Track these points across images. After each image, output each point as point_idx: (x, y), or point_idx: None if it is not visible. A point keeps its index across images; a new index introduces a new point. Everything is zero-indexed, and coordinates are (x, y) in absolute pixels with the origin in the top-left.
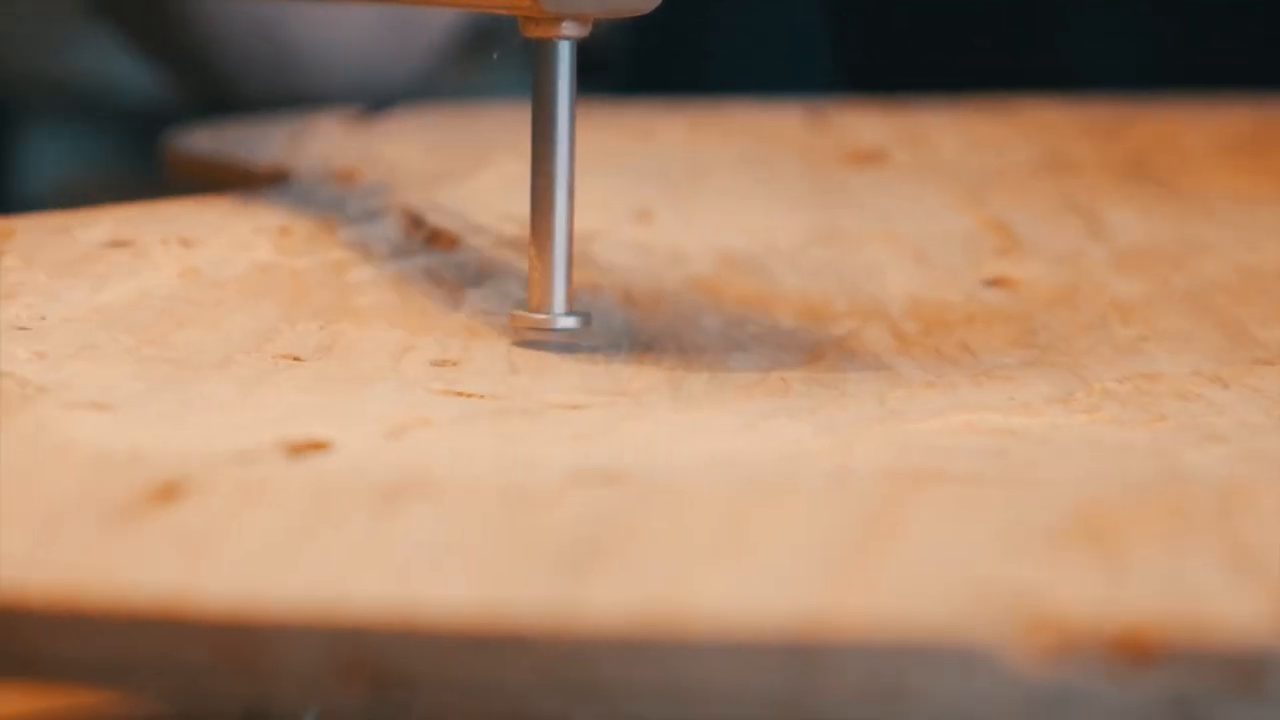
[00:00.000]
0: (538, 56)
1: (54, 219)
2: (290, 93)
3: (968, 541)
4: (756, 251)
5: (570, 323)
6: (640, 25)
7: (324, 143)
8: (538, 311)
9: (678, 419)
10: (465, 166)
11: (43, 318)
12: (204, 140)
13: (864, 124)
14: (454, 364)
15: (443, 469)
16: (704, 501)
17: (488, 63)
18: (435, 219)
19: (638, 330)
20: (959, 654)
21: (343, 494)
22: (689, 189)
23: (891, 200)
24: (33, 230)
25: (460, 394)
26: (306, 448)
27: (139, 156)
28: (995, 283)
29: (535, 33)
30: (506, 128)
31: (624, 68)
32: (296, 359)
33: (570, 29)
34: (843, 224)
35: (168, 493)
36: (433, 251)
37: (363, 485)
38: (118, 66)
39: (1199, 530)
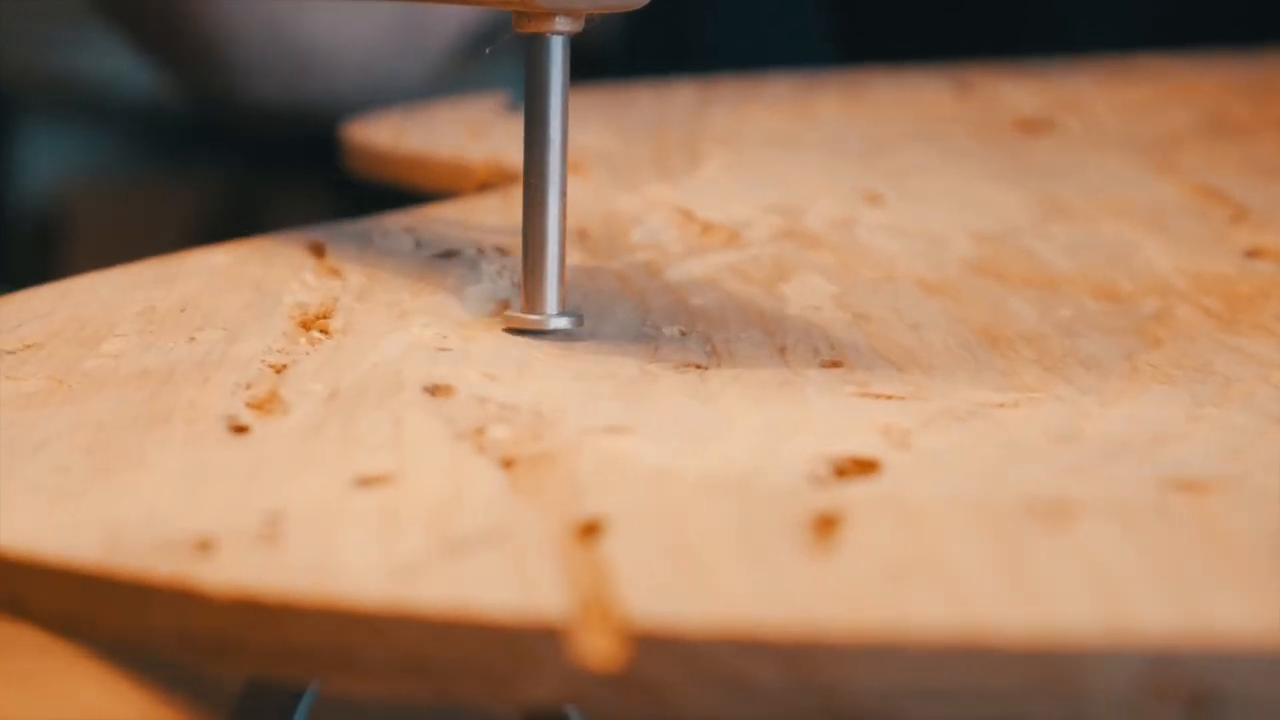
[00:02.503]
0: (530, 52)
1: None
2: (300, 93)
3: None
4: (1002, 231)
5: (563, 323)
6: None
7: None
8: (532, 312)
9: (1105, 412)
10: (683, 160)
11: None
12: (384, 133)
13: (1014, 92)
14: (836, 364)
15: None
16: None
17: (480, 59)
18: (704, 215)
19: (958, 319)
20: None
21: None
22: (891, 168)
23: (1087, 170)
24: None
25: (879, 396)
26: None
27: (137, 153)
28: (1255, 254)
29: (528, 28)
30: (690, 108)
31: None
32: (699, 368)
33: (563, 24)
34: (1061, 197)
35: (827, 524)
36: (729, 249)
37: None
38: (117, 65)
39: None
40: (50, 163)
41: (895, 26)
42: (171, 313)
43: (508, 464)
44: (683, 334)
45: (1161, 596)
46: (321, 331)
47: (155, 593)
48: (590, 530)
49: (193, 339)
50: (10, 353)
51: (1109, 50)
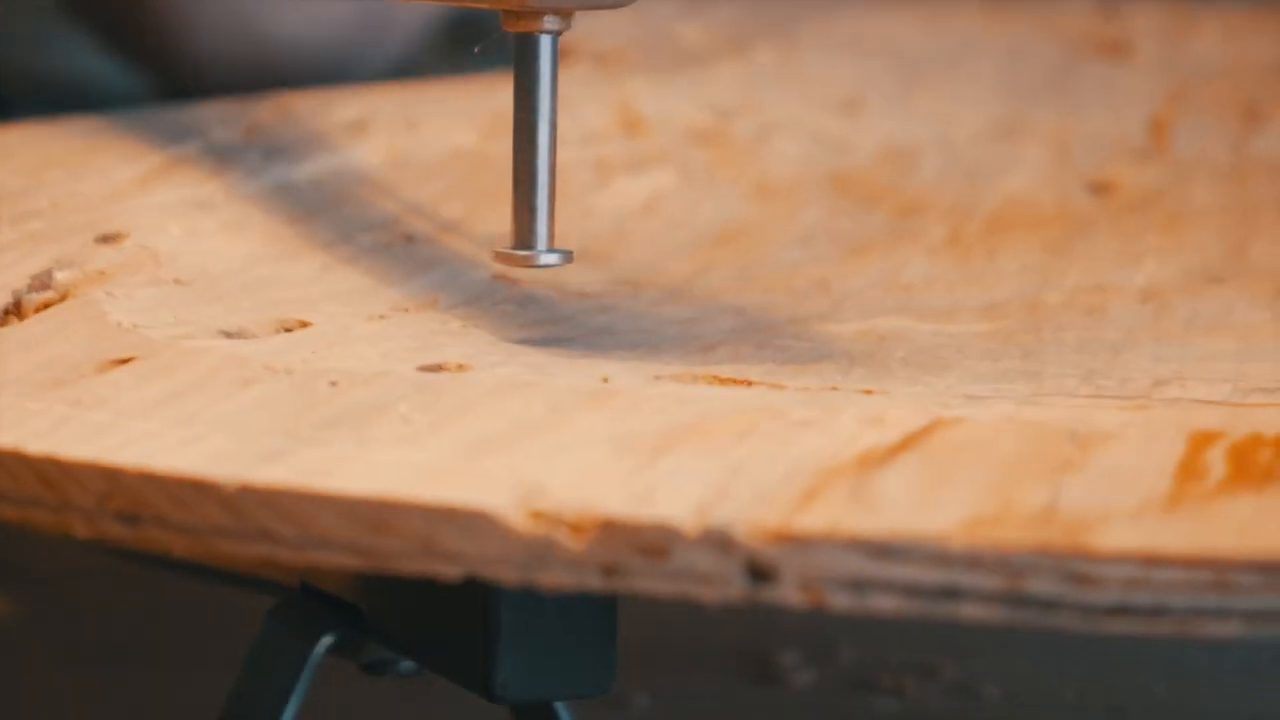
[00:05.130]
0: (519, 51)
1: (314, 98)
2: (261, 84)
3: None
4: (925, 144)
5: (553, 259)
6: None
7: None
8: (521, 248)
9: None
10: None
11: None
12: None
13: (1141, 16)
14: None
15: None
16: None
17: (470, 57)
18: (639, 107)
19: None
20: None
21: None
22: (917, 77)
23: (1091, 95)
24: (289, 109)
25: (511, 280)
26: (295, 326)
27: None
28: (1098, 187)
29: (517, 27)
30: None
31: None
32: (410, 239)
33: (552, 23)
34: (1027, 118)
35: (117, 363)
36: (631, 138)
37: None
38: (104, 64)
39: (749, 441)
40: None
41: None
42: None
43: None
44: None
45: None
46: None
47: None
48: None
49: None
50: None
51: None
